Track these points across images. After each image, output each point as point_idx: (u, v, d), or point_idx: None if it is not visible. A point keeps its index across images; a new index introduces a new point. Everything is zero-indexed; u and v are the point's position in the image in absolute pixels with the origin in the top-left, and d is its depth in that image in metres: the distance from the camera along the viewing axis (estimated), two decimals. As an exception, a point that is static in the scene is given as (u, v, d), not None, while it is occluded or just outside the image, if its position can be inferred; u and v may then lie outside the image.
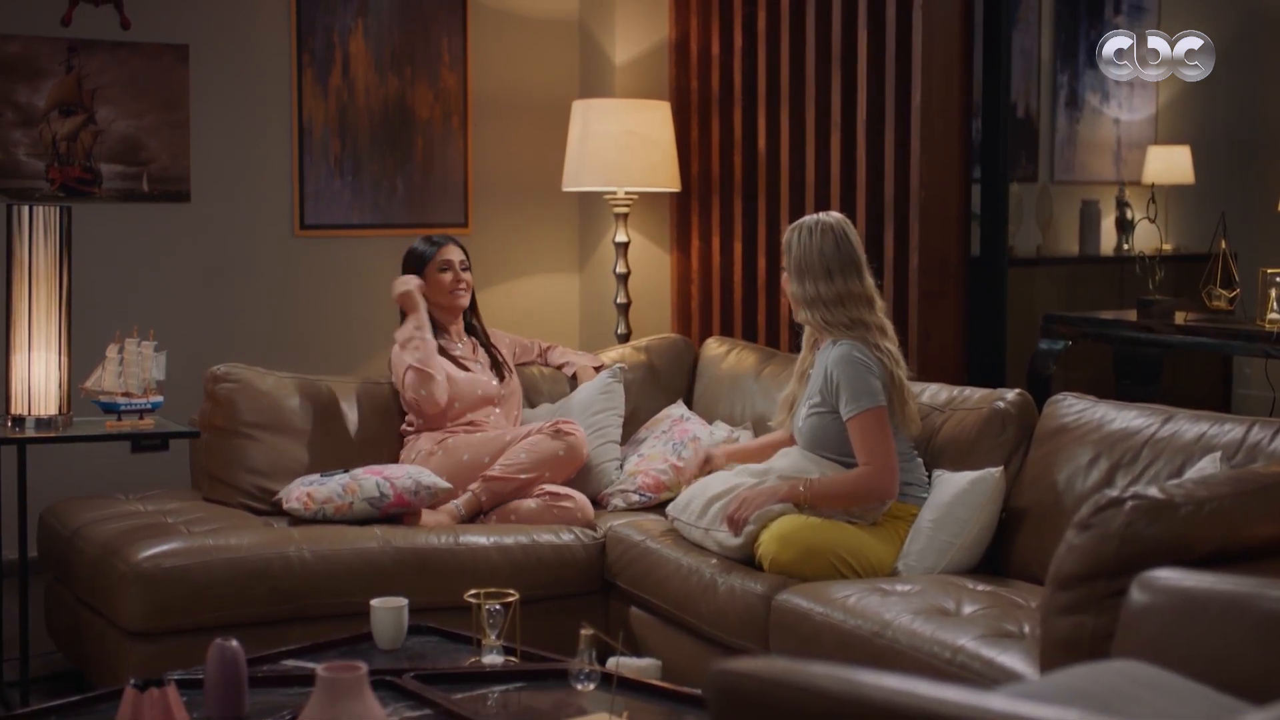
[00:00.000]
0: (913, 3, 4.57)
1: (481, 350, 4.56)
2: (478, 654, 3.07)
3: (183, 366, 4.53)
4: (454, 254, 4.50)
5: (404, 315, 4.49)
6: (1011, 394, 3.83)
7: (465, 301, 4.53)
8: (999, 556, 3.65)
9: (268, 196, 5.39)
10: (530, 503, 4.19)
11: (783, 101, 5.07)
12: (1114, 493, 2.64)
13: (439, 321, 4.50)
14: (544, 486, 4.22)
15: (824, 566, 3.52)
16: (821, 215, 3.84)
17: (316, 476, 4.11)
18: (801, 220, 3.84)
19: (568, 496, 4.22)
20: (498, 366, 4.54)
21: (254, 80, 5.34)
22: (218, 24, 5.28)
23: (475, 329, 4.60)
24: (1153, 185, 6.99)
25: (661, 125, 5.26)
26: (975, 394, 3.91)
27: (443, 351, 4.43)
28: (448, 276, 4.48)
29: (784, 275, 3.86)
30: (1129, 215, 7.65)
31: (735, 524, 3.63)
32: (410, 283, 4.46)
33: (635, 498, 4.32)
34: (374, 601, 3.20)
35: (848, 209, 4.85)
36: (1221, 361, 7.28)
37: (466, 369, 4.45)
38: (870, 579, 3.50)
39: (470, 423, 4.38)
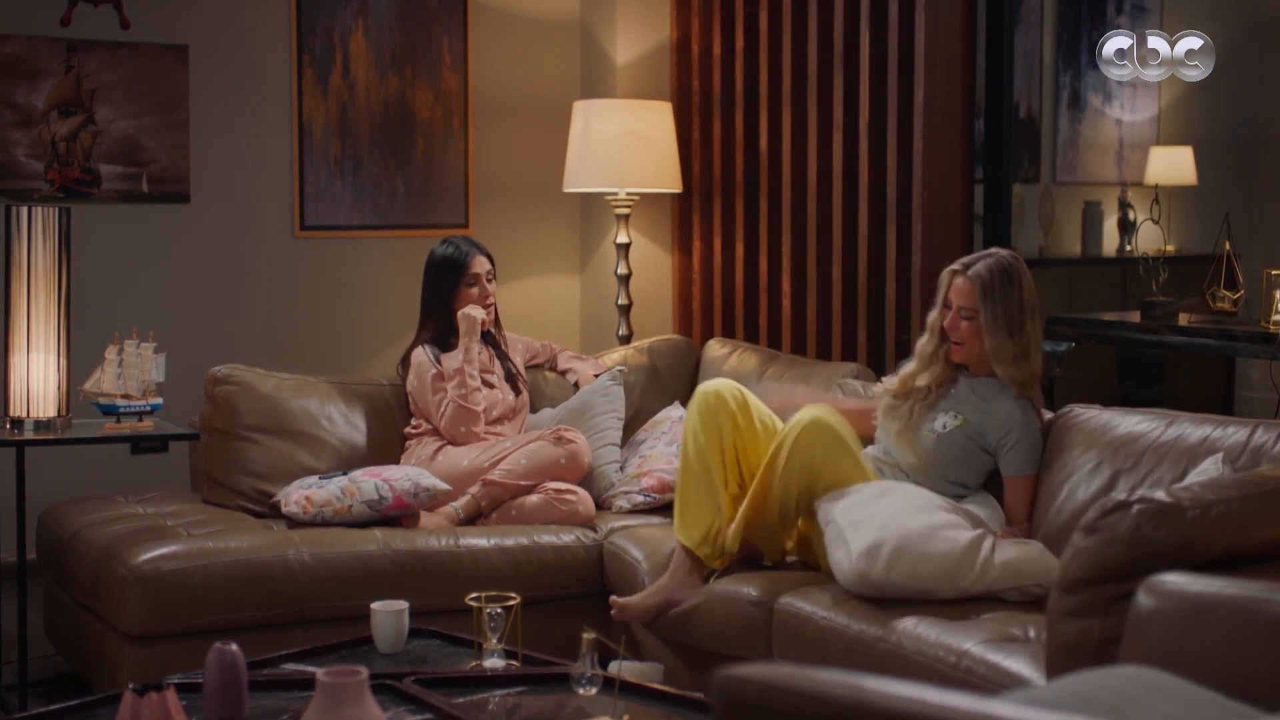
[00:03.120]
0: (915, 3, 4.56)
1: (498, 361, 4.52)
2: (479, 657, 3.06)
3: (182, 368, 4.51)
4: (481, 266, 4.44)
5: (425, 317, 4.45)
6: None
7: (492, 316, 4.49)
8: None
9: (268, 197, 5.38)
10: (533, 498, 4.17)
11: (785, 102, 5.05)
12: (1120, 496, 2.62)
13: (458, 330, 4.44)
14: (546, 484, 4.20)
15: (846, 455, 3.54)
16: (1001, 253, 3.67)
17: (315, 479, 4.10)
18: (986, 262, 3.63)
19: (570, 491, 4.20)
20: (512, 379, 4.51)
21: (254, 81, 5.33)
22: (217, 24, 5.26)
23: (492, 338, 4.56)
24: (1156, 186, 6.97)
25: (663, 126, 5.25)
26: None
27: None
28: (475, 292, 4.43)
29: (963, 325, 3.64)
30: (1131, 216, 7.63)
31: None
32: (478, 313, 4.41)
33: (640, 499, 4.31)
34: (374, 605, 3.18)
35: (849, 210, 4.84)
36: (1225, 363, 7.26)
37: (490, 384, 4.42)
38: None
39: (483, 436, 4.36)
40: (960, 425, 3.65)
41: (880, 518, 3.33)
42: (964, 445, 3.64)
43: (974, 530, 3.33)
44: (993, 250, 3.72)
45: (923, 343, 3.78)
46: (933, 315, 3.75)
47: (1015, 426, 3.61)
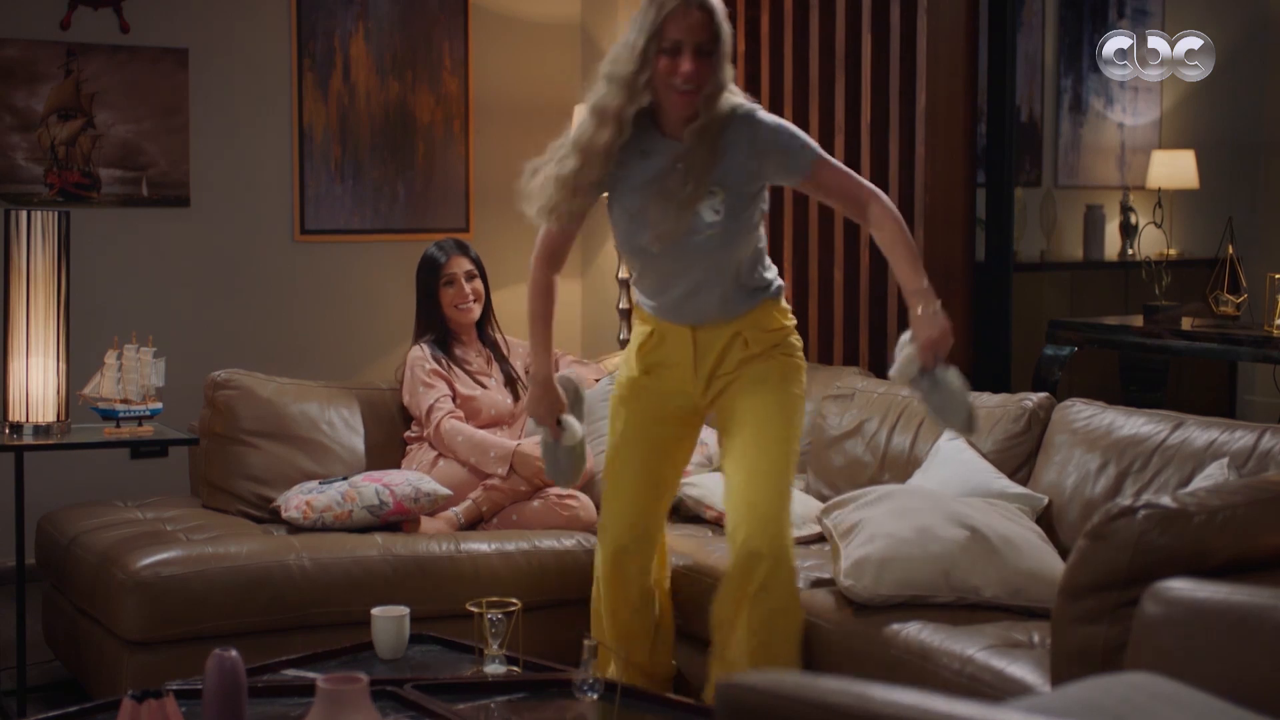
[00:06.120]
0: (917, 6, 4.55)
1: (497, 365, 4.50)
2: (480, 664, 3.05)
3: (182, 373, 4.50)
4: (458, 266, 4.40)
5: (419, 318, 4.44)
6: (1037, 397, 3.82)
7: (474, 315, 4.45)
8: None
9: (268, 201, 5.37)
10: (534, 503, 4.16)
11: (786, 105, 5.04)
12: (1126, 502, 2.61)
13: (452, 333, 4.44)
14: (547, 490, 4.19)
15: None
16: None
17: (315, 484, 4.08)
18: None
19: (571, 496, 4.19)
20: (511, 383, 4.48)
21: (254, 84, 5.32)
22: (217, 28, 5.26)
23: (491, 341, 4.54)
24: (1159, 190, 6.96)
25: (664, 129, 5.22)
26: (994, 398, 3.89)
27: (458, 363, 4.38)
28: (450, 291, 4.41)
29: (701, 64, 3.03)
30: (1133, 220, 7.62)
31: None
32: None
33: (639, 504, 4.29)
34: (375, 610, 3.17)
35: (852, 214, 4.82)
36: (1227, 367, 7.25)
37: (482, 385, 4.39)
38: None
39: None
40: (724, 198, 3.12)
41: (870, 527, 3.29)
42: (740, 214, 3.16)
43: (975, 528, 3.27)
44: None
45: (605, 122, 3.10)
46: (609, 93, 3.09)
47: (766, 133, 3.14)
